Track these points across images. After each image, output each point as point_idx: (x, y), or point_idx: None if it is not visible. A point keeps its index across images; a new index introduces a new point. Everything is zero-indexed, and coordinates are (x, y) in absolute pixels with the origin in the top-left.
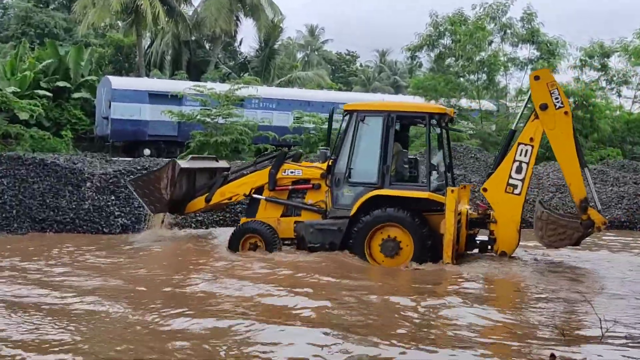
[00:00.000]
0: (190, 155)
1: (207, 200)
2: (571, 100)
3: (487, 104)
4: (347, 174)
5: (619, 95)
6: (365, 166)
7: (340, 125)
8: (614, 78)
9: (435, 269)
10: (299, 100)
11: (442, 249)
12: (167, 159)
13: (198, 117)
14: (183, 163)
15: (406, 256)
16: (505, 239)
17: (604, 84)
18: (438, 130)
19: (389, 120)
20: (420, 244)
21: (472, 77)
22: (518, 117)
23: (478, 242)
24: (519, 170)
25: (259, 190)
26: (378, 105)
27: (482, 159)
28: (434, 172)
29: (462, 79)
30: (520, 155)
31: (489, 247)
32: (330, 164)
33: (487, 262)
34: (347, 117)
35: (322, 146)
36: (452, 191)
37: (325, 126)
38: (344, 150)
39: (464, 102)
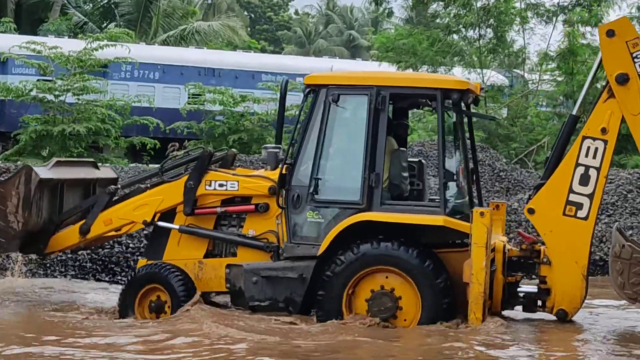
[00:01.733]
0: (53, 159)
1: (83, 232)
2: None
3: (494, 76)
4: (312, 189)
5: None
6: (342, 175)
7: (300, 110)
8: None
9: (452, 337)
10: (197, 67)
11: (467, 306)
12: None
13: (33, 92)
14: (42, 170)
15: (409, 319)
16: (564, 290)
17: None
18: (455, 116)
19: (379, 100)
20: (433, 302)
21: (470, 33)
22: (582, 94)
23: (522, 294)
24: (584, 180)
25: (168, 214)
26: (360, 78)
27: (487, 161)
28: (451, 183)
29: (455, 36)
30: (587, 156)
31: (539, 302)
32: (284, 172)
33: (535, 327)
34: (310, 97)
35: (268, 143)
36: (482, 214)
37: (255, 109)
38: (306, 149)
39: (458, 73)
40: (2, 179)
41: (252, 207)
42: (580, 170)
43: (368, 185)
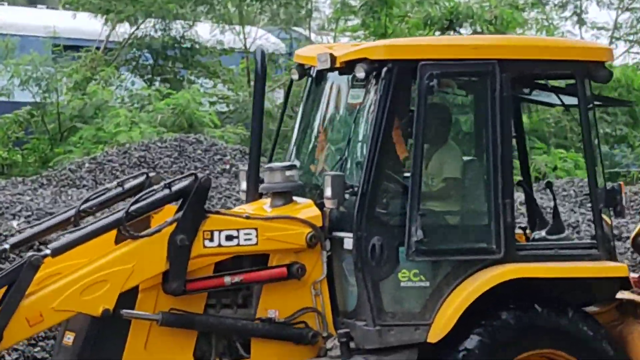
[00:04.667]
0: None
1: None
2: None
3: (264, 37)
4: (413, 232)
5: None
6: (458, 207)
7: (305, 99)
8: None
9: None
10: None
11: None
12: None
13: None
14: None
15: None
16: None
17: None
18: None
19: (504, 83)
20: None
21: None
22: None
23: None
24: None
25: (129, 296)
26: (472, 47)
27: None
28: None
29: None
30: None
31: None
32: (337, 207)
33: None
34: (371, 80)
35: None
36: None
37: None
38: (382, 167)
39: (205, 30)
40: None
41: (283, 270)
42: None
43: (503, 219)
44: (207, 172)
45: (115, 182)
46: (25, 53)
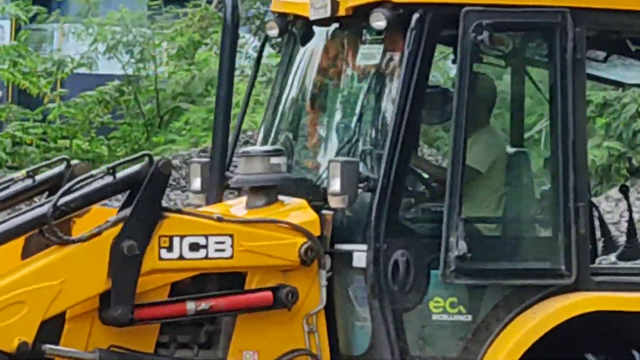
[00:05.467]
0: None
1: None
2: None
3: None
4: (452, 246)
5: None
6: (513, 211)
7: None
8: None
9: None
10: None
11: None
12: None
13: None
14: None
15: None
16: None
17: None
18: None
19: (579, 41)
20: None
21: None
22: None
23: None
24: None
25: (54, 324)
26: None
27: None
28: None
29: None
30: None
31: None
32: (343, 210)
33: None
34: (394, 33)
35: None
36: None
37: None
38: (405, 154)
39: None
40: None
41: (268, 295)
42: None
43: (575, 231)
44: None
45: (22, 172)
46: (113, 9)
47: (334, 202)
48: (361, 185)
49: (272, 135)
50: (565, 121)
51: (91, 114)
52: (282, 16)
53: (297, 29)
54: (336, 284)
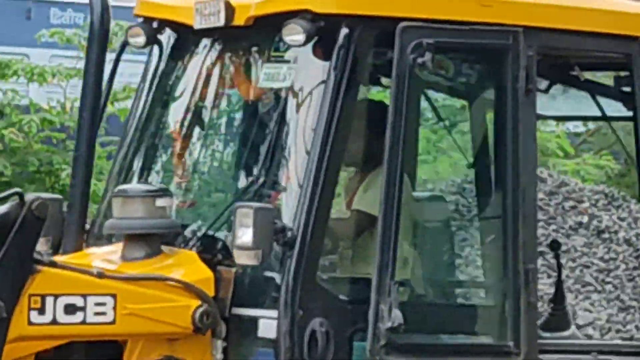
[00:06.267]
0: None
1: None
2: None
3: None
4: (383, 313)
5: None
6: (449, 267)
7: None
8: None
9: None
10: None
11: None
12: None
13: None
14: None
15: None
16: None
17: None
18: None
19: (531, 61)
20: None
21: None
22: None
23: None
24: None
25: None
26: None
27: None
28: None
29: None
30: None
31: None
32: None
33: None
34: (313, 50)
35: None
36: None
37: None
38: (324, 194)
39: None
40: None
41: None
42: None
43: (524, 299)
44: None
45: None
46: None
47: (243, 257)
48: (275, 237)
49: (135, 168)
50: (515, 165)
51: None
52: (150, 22)
53: (171, 40)
54: (233, 357)
